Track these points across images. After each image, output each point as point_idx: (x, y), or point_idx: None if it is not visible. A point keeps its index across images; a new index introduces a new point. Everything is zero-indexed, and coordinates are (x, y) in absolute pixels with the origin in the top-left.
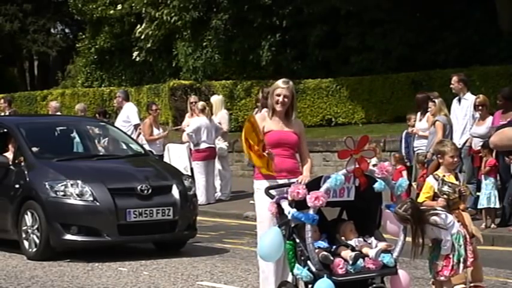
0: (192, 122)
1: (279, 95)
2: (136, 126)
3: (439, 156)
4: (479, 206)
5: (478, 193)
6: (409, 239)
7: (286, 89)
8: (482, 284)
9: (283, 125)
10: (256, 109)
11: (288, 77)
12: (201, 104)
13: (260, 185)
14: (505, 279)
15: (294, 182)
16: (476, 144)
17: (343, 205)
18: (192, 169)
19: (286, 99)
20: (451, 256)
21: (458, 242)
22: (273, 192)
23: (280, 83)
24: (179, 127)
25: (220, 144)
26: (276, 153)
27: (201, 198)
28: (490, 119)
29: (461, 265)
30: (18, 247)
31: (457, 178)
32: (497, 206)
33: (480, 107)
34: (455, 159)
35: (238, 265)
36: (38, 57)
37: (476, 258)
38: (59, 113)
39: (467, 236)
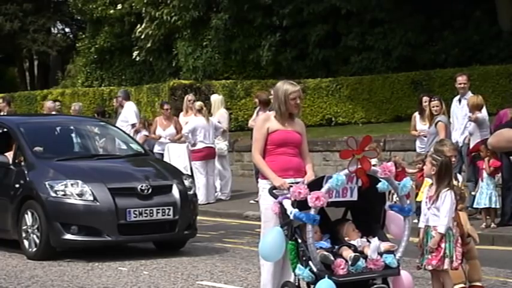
0: (188, 122)
1: (294, 99)
2: (133, 126)
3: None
4: (480, 206)
5: (472, 193)
6: (411, 239)
7: (299, 91)
8: (481, 284)
9: (287, 125)
10: (257, 108)
11: (288, 77)
12: (198, 104)
13: (265, 185)
14: (505, 279)
15: (298, 182)
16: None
17: (346, 205)
18: (192, 169)
19: (300, 100)
20: (442, 247)
21: (449, 238)
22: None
23: (290, 86)
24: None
25: (220, 143)
26: (281, 153)
27: (201, 197)
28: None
29: (447, 260)
30: (18, 247)
31: (455, 178)
32: (498, 206)
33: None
34: (453, 159)
35: (238, 265)
36: (38, 57)
37: (474, 258)
38: (54, 113)
39: (459, 238)
